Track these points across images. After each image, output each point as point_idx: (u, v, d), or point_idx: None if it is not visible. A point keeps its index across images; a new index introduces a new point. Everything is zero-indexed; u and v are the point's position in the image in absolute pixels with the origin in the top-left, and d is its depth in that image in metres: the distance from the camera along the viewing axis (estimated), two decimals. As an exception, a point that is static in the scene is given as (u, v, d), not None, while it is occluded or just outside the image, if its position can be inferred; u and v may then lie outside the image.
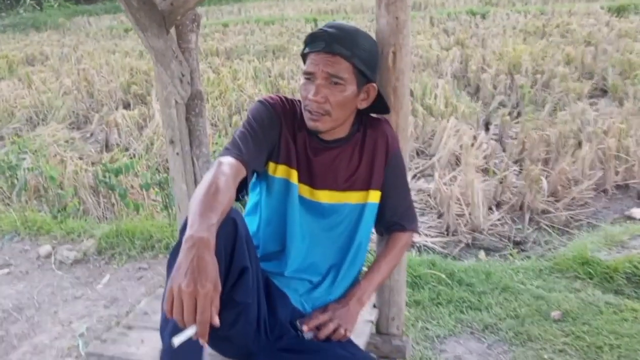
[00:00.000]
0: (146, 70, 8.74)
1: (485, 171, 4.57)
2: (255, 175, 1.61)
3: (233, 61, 9.75)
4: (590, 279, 2.85)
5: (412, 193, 4.36)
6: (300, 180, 1.59)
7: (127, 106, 7.42)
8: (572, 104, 5.92)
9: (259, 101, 1.59)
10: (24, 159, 4.64)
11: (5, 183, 4.27)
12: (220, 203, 1.23)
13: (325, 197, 1.61)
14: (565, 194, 4.19)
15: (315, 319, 1.56)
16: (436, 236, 3.77)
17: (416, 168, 4.93)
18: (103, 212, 4.27)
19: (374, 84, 1.56)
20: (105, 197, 4.29)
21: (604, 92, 6.98)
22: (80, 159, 5.39)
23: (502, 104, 6.60)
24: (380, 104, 1.62)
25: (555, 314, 2.54)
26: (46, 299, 3.02)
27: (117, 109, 7.20)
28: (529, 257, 3.45)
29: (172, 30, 2.10)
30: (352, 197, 1.62)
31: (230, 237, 1.30)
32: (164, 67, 2.05)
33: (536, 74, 7.22)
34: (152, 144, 5.53)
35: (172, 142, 2.20)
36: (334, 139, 1.58)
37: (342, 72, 1.45)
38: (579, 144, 4.75)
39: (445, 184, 4.22)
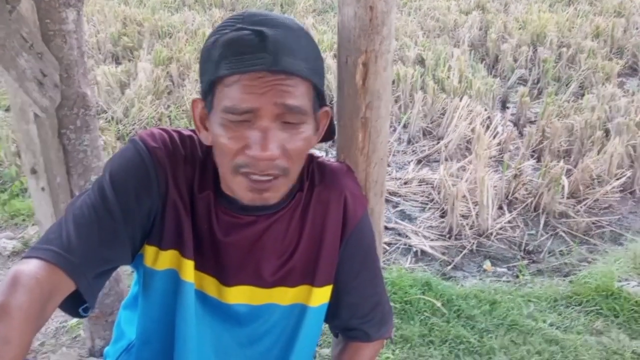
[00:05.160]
0: (140, 20, 8.11)
1: (499, 162, 4.06)
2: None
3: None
4: (616, 316, 2.38)
5: (414, 184, 3.87)
6: (200, 269, 0.98)
7: (115, 59, 6.87)
8: (599, 86, 5.34)
9: (132, 141, 0.95)
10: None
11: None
12: None
13: (241, 296, 1.00)
14: (587, 195, 3.69)
15: None
16: (437, 239, 3.29)
17: (421, 152, 4.42)
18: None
19: (328, 109, 0.97)
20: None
21: (634, 70, 6.41)
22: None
23: (522, 79, 6.06)
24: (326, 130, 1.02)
25: (571, 367, 2.09)
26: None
27: (104, 61, 6.65)
28: (540, 272, 2.99)
29: (31, 5, 1.43)
30: (285, 297, 1.02)
31: None
32: (4, 64, 1.37)
33: (561, 47, 6.60)
34: (133, 106, 5.01)
35: (34, 171, 1.54)
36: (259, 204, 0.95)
37: (303, 100, 0.86)
38: (607, 135, 4.22)
39: (452, 175, 3.71)
